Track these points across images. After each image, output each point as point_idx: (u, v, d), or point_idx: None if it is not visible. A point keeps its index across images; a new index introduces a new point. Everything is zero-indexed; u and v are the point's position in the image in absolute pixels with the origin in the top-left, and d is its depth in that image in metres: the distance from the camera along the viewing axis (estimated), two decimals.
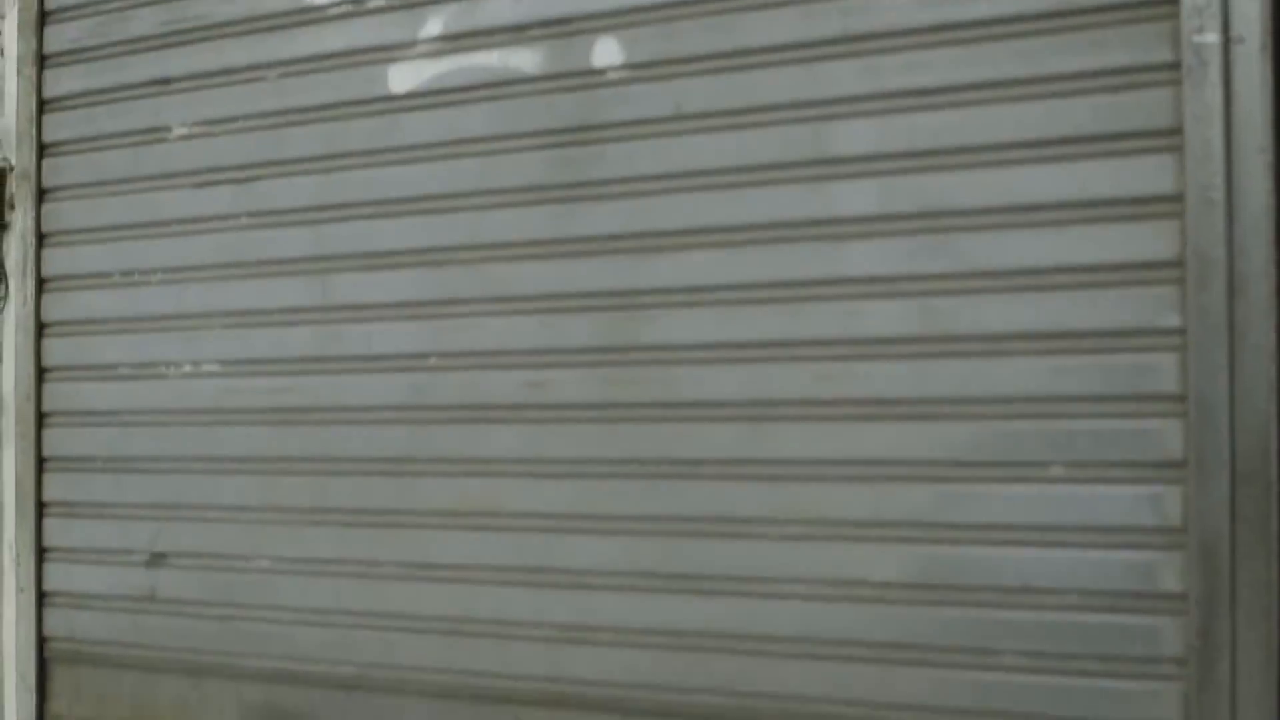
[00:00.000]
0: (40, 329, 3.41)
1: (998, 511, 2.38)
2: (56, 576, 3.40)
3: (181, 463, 3.19)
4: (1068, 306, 2.32)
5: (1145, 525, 2.28)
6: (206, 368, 3.16)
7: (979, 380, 2.39)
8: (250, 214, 3.09)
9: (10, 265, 3.51)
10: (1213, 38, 2.15)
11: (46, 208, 3.37)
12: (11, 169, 3.51)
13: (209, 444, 3.15)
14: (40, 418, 3.41)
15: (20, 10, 3.47)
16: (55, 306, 3.35)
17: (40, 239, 3.37)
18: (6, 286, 3.53)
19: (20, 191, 3.50)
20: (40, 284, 3.37)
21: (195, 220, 3.16)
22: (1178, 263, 2.22)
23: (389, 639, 2.93)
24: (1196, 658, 2.19)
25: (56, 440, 3.39)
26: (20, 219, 3.47)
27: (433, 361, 2.88)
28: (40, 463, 3.41)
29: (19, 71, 3.48)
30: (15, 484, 3.48)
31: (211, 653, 3.15)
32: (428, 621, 2.89)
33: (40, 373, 3.40)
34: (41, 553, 3.43)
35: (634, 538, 2.68)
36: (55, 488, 3.39)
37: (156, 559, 3.23)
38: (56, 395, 3.39)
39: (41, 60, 3.41)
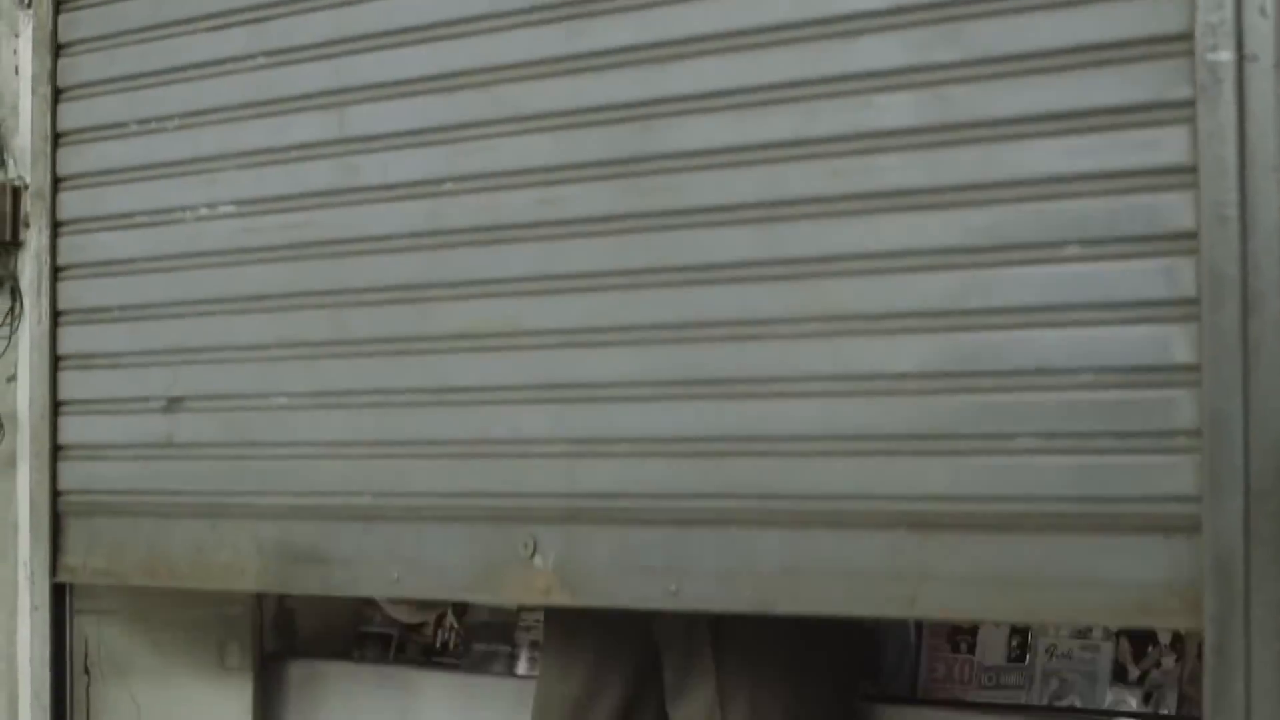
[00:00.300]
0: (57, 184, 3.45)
1: (1013, 295, 2.39)
2: (71, 430, 3.42)
3: (198, 306, 3.21)
4: (1080, 85, 2.32)
5: (1158, 299, 2.28)
6: (223, 209, 3.19)
7: (993, 165, 2.40)
8: (266, 53, 3.11)
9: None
10: (1226, 56, 2.16)
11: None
12: (26, 187, 3.53)
13: (226, 285, 3.17)
14: (55, 271, 3.44)
15: (35, 29, 3.49)
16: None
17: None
18: (22, 305, 3.56)
19: (35, 210, 3.51)
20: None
21: (211, 64, 3.19)
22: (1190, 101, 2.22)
23: (404, 466, 2.95)
24: (1211, 676, 2.19)
25: (72, 293, 3.41)
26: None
27: (448, 186, 2.90)
28: (55, 315, 3.44)
29: (34, 91, 3.52)
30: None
31: (227, 493, 3.17)
32: (443, 446, 2.90)
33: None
34: (56, 407, 3.45)
35: (650, 347, 2.69)
36: (70, 341, 3.41)
37: (173, 404, 3.24)
38: (71, 248, 3.41)
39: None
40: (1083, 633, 2.95)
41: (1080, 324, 2.34)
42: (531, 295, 2.80)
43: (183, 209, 3.24)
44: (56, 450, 3.46)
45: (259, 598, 3.90)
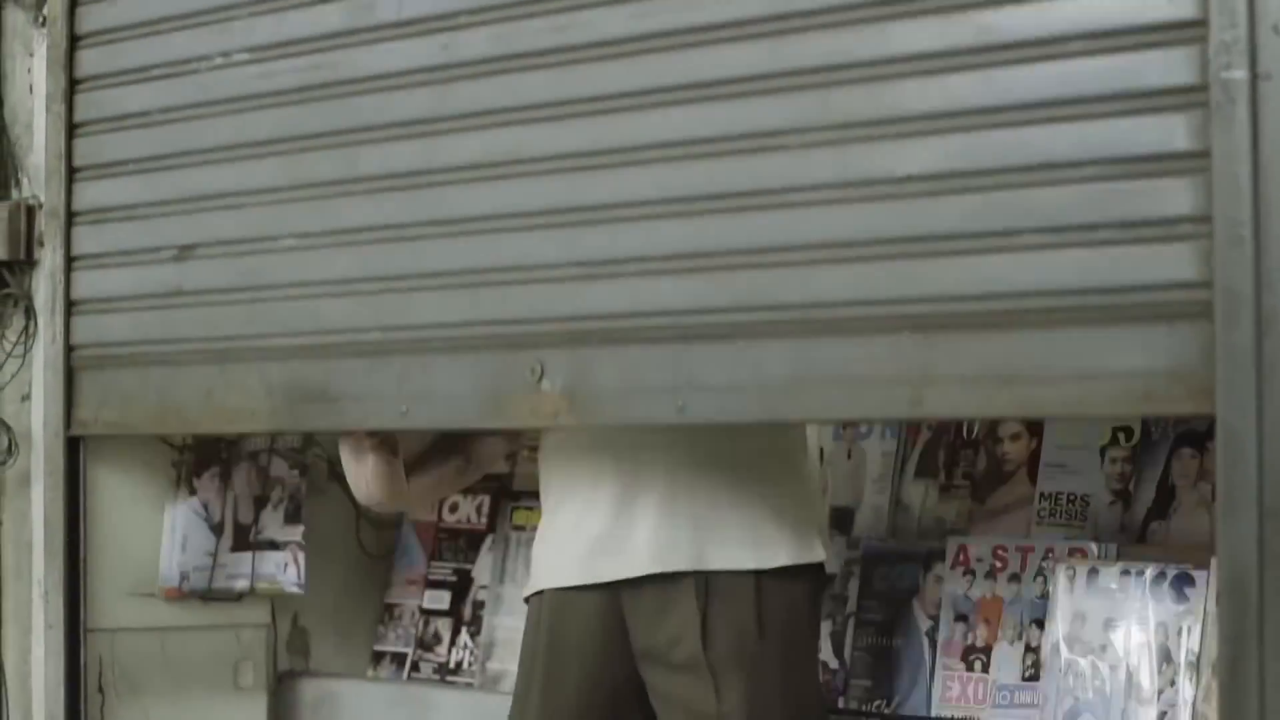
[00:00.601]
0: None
1: (1018, 91, 2.40)
2: (84, 284, 3.45)
3: (211, 154, 3.25)
4: None
5: (1160, 88, 2.29)
6: (238, 57, 3.21)
7: None
8: None
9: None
10: (1240, 74, 2.16)
11: None
12: (40, 207, 3.57)
13: (239, 131, 3.22)
14: (71, 127, 3.47)
15: (49, 47, 3.52)
16: None
17: None
18: (36, 325, 3.58)
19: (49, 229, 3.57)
20: None
21: None
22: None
23: (412, 300, 2.97)
24: (1225, 695, 2.19)
25: (87, 149, 3.44)
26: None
27: (462, 19, 2.92)
28: (71, 172, 3.46)
29: (48, 108, 3.57)
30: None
31: (237, 338, 3.21)
32: (452, 277, 2.92)
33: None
34: (70, 262, 3.47)
35: (658, 165, 2.70)
36: (85, 196, 3.44)
37: (184, 252, 3.27)
38: (87, 105, 3.44)
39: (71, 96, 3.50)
40: (1097, 650, 2.96)
41: (1083, 118, 2.35)
42: (540, 122, 2.82)
43: (198, 59, 3.26)
44: (70, 305, 3.48)
45: (274, 617, 3.90)
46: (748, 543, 2.91)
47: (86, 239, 3.48)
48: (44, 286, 3.60)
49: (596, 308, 2.76)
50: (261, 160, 3.16)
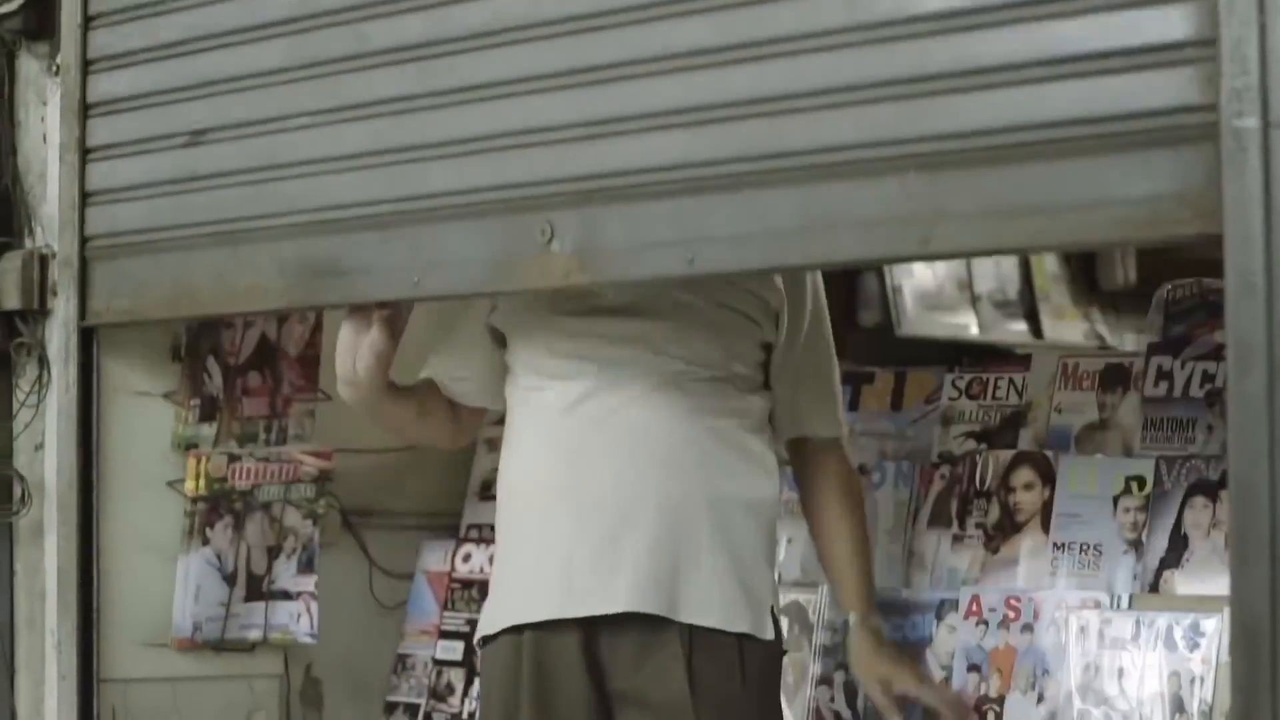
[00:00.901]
0: None
1: None
2: (99, 176, 3.47)
3: (224, 37, 3.26)
4: None
5: None
6: None
7: None
8: None
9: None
10: (1252, 122, 2.16)
11: None
12: (53, 256, 3.58)
13: (252, 13, 3.21)
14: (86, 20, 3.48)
15: (63, 97, 3.55)
16: None
17: None
18: (50, 374, 3.60)
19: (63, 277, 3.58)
20: None
21: None
22: None
23: (423, 170, 2.98)
24: None
25: (101, 41, 3.46)
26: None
27: None
28: (85, 63, 3.48)
29: (61, 159, 3.58)
30: None
31: (249, 218, 3.22)
32: (462, 145, 2.93)
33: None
34: (85, 153, 3.49)
35: (665, 21, 2.71)
36: (100, 86, 3.46)
37: (196, 136, 3.29)
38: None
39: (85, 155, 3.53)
40: (1110, 700, 2.96)
41: None
42: None
43: None
44: (85, 197, 3.50)
45: (287, 667, 3.88)
46: (731, 602, 2.95)
47: (101, 130, 3.50)
48: (57, 336, 3.62)
49: (605, 166, 2.77)
50: (271, 42, 3.18)
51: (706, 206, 2.66)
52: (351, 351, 3.01)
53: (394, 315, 3.02)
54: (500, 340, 3.09)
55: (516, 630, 2.97)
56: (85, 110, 3.54)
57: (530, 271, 2.85)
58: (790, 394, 3.08)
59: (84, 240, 3.52)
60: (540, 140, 2.84)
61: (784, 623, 3.09)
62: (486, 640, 3.04)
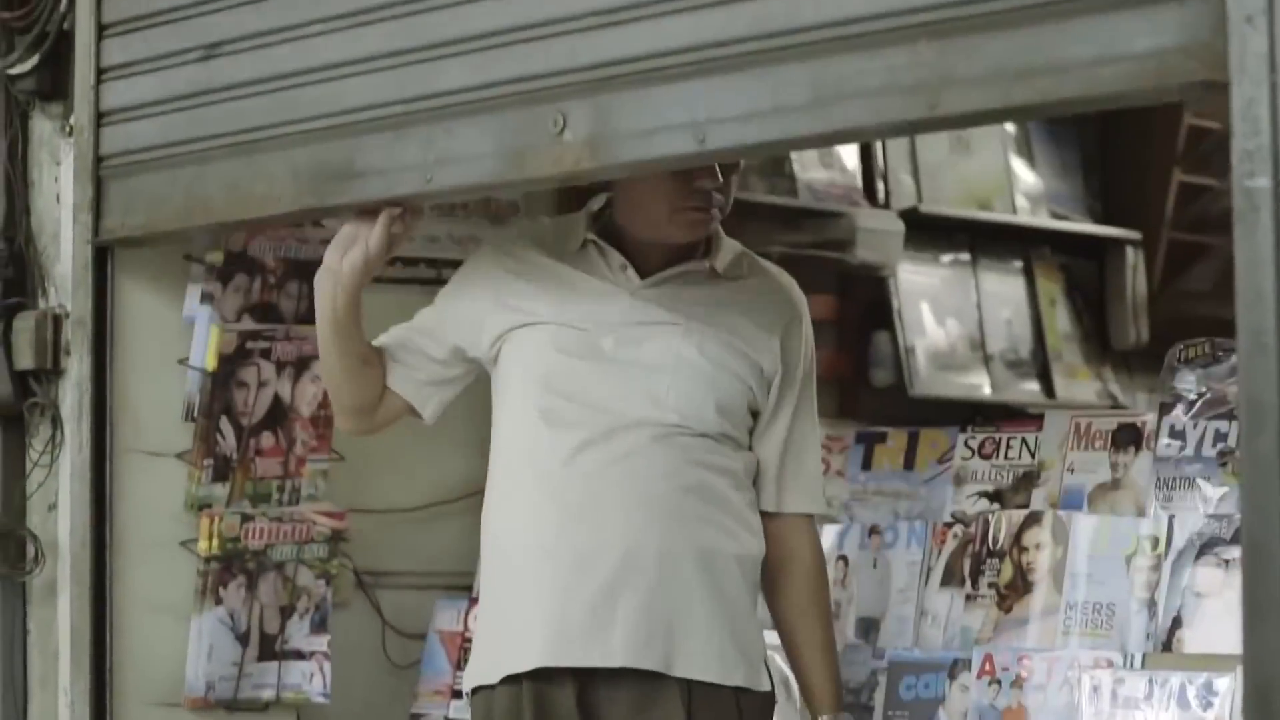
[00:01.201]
0: None
1: None
2: (113, 95, 3.49)
3: None
4: None
5: None
6: None
7: None
8: None
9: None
10: (1264, 182, 2.17)
11: None
12: (66, 316, 3.63)
13: None
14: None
15: (76, 157, 3.59)
16: None
17: None
18: (63, 434, 3.62)
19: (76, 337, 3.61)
20: None
21: None
22: None
23: (435, 68, 3.00)
24: None
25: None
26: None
27: None
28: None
29: (75, 218, 3.61)
30: None
31: (262, 128, 3.25)
32: (475, 41, 2.95)
33: None
34: (100, 73, 3.52)
35: None
36: (114, 9, 3.49)
37: (211, 50, 3.31)
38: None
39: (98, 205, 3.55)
40: None
41: None
42: None
43: None
44: (100, 117, 3.52)
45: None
46: (726, 655, 2.97)
47: (116, 50, 3.53)
48: (70, 395, 3.64)
49: (615, 53, 2.79)
50: None
51: (716, 87, 2.68)
52: (345, 245, 3.02)
53: (398, 221, 3.01)
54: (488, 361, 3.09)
55: (515, 680, 2.96)
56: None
57: (541, 161, 2.87)
58: (775, 466, 3.09)
59: (99, 160, 3.54)
60: (550, 32, 2.86)
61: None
62: (479, 689, 3.03)
